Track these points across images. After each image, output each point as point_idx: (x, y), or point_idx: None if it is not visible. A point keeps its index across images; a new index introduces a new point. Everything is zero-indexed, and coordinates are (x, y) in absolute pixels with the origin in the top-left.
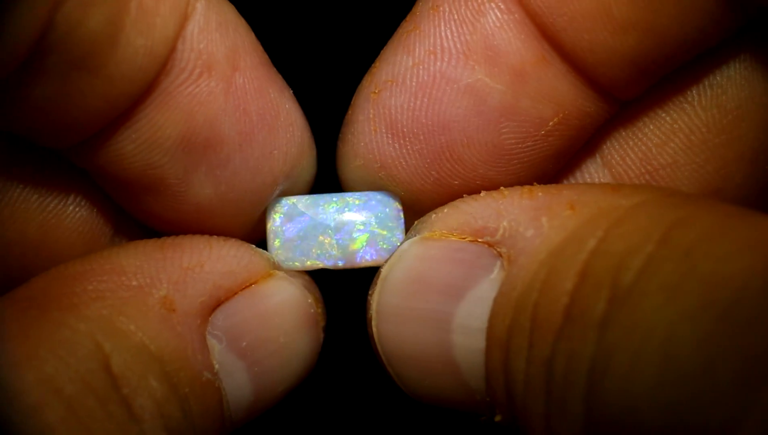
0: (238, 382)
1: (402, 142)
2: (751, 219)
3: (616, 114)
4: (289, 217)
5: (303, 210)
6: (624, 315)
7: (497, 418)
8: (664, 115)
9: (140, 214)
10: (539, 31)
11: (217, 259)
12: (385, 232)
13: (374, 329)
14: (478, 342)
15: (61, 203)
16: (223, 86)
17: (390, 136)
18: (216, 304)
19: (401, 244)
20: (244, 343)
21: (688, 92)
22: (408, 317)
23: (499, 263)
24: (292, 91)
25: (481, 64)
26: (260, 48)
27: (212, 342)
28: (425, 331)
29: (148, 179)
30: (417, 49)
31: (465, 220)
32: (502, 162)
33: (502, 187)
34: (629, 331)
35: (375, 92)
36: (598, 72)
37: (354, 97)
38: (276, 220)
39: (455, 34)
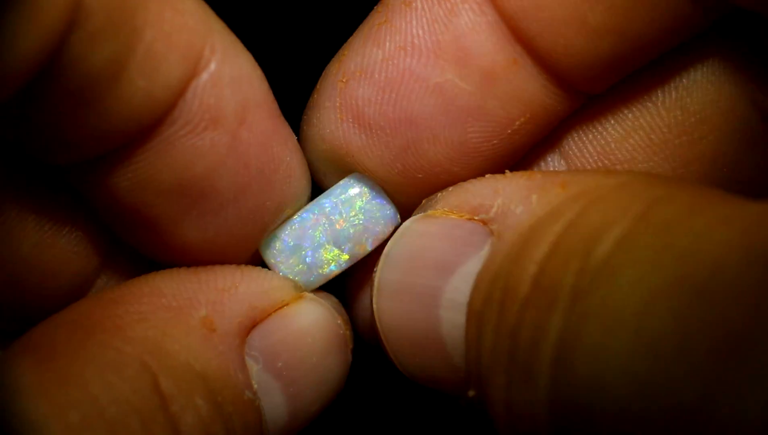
0: (274, 402)
1: (368, 133)
2: (728, 198)
3: (579, 108)
4: (283, 253)
5: (294, 241)
6: (596, 287)
7: (470, 393)
8: (626, 112)
9: (131, 241)
10: (512, 33)
11: (250, 281)
12: (377, 215)
13: (375, 305)
14: (462, 317)
15: (58, 223)
16: (226, 140)
17: (356, 126)
18: (252, 325)
19: (405, 221)
20: (280, 364)
21: (653, 92)
22: (404, 292)
23: (490, 241)
24: (295, 138)
25: (452, 64)
26: (271, 98)
27: (250, 362)
28: (417, 306)
29: (138, 214)
30: (387, 43)
31: (465, 199)
32: (466, 158)
33: (507, 171)
34: (601, 304)
35: (342, 81)
36: (570, 73)
37: (320, 81)
38: (273, 259)
39: (427, 32)
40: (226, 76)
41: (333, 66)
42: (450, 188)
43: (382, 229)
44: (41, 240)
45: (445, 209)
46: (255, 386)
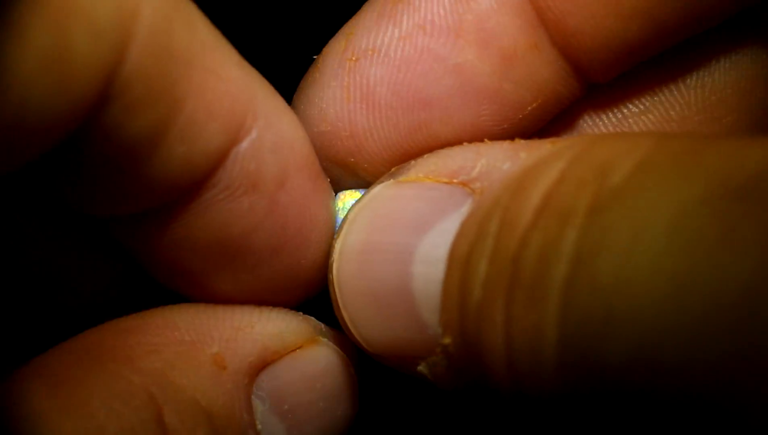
0: None
1: (377, 114)
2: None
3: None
4: None
5: None
6: (619, 202)
7: (446, 341)
8: (646, 89)
9: (167, 285)
10: (537, 15)
11: (267, 321)
12: None
13: (334, 271)
14: (438, 271)
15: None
16: (265, 203)
17: (365, 107)
18: (263, 365)
19: (372, 187)
20: (286, 406)
21: (675, 71)
22: (369, 253)
23: (471, 199)
24: (333, 194)
25: (472, 45)
26: (312, 159)
27: (256, 402)
28: (385, 264)
29: (174, 266)
30: (405, 22)
31: (443, 163)
32: (475, 141)
33: (486, 139)
34: (627, 214)
35: (352, 59)
36: (590, 58)
37: (321, 59)
38: None
39: (448, 11)
40: (268, 142)
41: (339, 43)
42: (425, 155)
43: None
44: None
45: (420, 175)
46: (259, 426)
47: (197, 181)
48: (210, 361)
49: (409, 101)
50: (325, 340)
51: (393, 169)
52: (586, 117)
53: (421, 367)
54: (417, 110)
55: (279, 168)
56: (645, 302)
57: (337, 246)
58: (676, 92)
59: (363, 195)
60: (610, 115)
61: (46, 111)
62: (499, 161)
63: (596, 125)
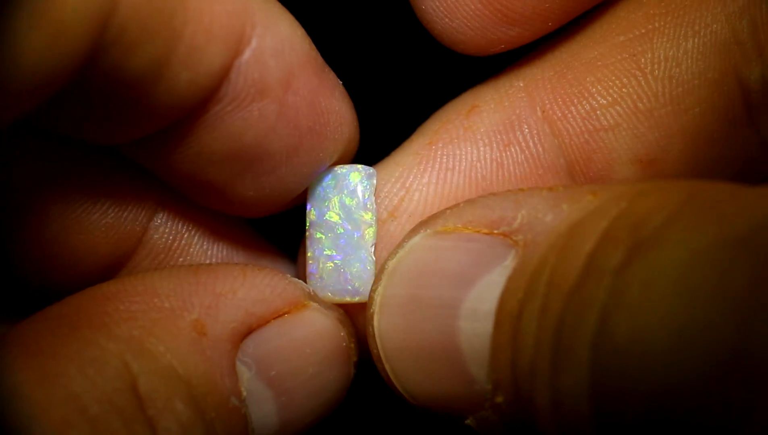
0: (264, 411)
1: None
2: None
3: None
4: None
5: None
6: (641, 257)
7: (498, 399)
8: (614, 79)
9: (192, 198)
10: None
11: (251, 286)
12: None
13: (375, 323)
14: (486, 325)
15: (95, 189)
16: (274, 107)
17: None
18: (247, 331)
19: (410, 238)
20: (273, 372)
21: (643, 61)
22: (413, 306)
23: (513, 252)
24: (341, 85)
25: None
26: (313, 54)
27: (242, 369)
28: (430, 318)
29: (195, 179)
30: None
31: (481, 213)
32: None
33: (522, 187)
34: (645, 269)
35: None
36: None
37: None
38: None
39: None
40: (268, 48)
41: None
42: (460, 204)
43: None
44: (70, 222)
45: (458, 225)
46: (244, 393)
47: (204, 99)
48: (189, 327)
49: None
50: (315, 304)
51: (426, 219)
52: (556, 108)
53: (469, 421)
54: None
55: (283, 70)
56: (653, 360)
57: (377, 298)
58: (644, 83)
59: (399, 244)
60: (579, 107)
61: (40, 65)
62: (540, 213)
63: (565, 117)
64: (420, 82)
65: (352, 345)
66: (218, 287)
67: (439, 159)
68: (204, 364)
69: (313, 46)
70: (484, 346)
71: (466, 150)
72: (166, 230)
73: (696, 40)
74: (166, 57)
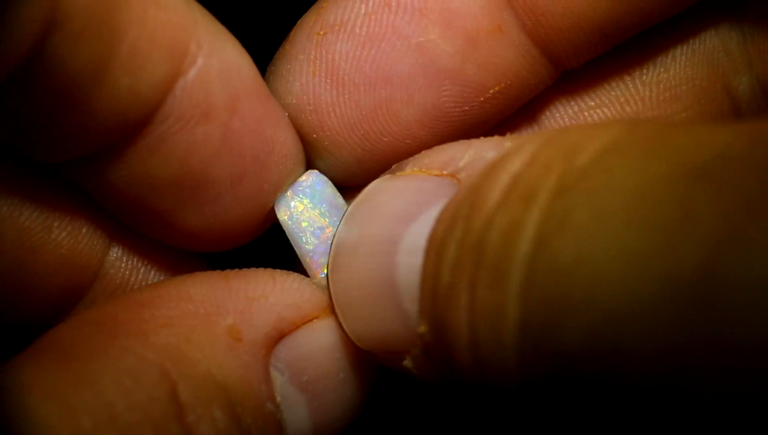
0: (298, 416)
1: (340, 90)
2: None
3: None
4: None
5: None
6: (584, 181)
7: (422, 329)
8: (603, 83)
9: (134, 227)
10: None
11: (281, 291)
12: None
13: (330, 268)
14: (419, 259)
15: (49, 219)
16: (219, 132)
17: (329, 81)
18: (279, 336)
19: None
20: (306, 377)
21: (632, 66)
22: (360, 246)
23: (456, 189)
24: (287, 115)
25: (436, 24)
26: (260, 82)
27: (275, 374)
28: (373, 256)
29: (136, 206)
30: None
31: (435, 156)
32: (436, 123)
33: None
34: (591, 193)
35: (320, 33)
36: (556, 40)
37: (294, 32)
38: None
39: None
40: (214, 70)
41: (310, 17)
42: (423, 151)
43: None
44: (33, 240)
45: (414, 169)
46: (278, 399)
47: (146, 114)
48: (225, 333)
49: (371, 78)
50: None
51: (393, 166)
52: (545, 110)
53: (406, 362)
54: (379, 88)
55: (228, 94)
56: (601, 284)
57: (334, 242)
58: (632, 87)
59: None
60: (567, 107)
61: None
62: (485, 151)
63: (553, 117)
64: None
65: None
66: (250, 292)
67: None
68: (240, 370)
69: (259, 74)
70: (416, 280)
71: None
72: (122, 265)
73: (685, 47)
74: (108, 56)
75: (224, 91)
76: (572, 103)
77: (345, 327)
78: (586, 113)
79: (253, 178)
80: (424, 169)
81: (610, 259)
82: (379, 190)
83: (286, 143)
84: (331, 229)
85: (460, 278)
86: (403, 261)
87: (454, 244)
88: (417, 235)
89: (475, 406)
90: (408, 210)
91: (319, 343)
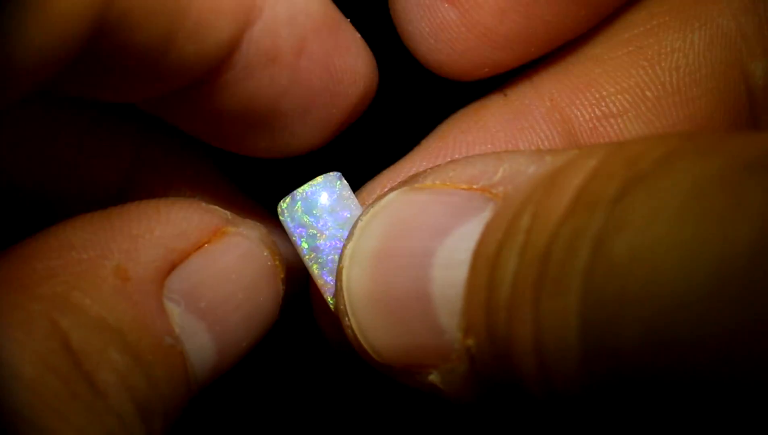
0: (200, 343)
1: None
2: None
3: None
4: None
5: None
6: (641, 188)
7: (469, 342)
8: (621, 69)
9: (210, 142)
10: None
11: (167, 222)
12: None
13: (344, 277)
14: (461, 272)
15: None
16: (287, 73)
17: None
18: (171, 268)
19: (387, 195)
20: (203, 304)
21: (650, 52)
22: (384, 257)
23: (492, 204)
24: (359, 36)
25: None
26: (330, 12)
27: (170, 306)
28: (401, 268)
29: (209, 133)
30: None
31: (462, 169)
32: None
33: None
34: (646, 197)
35: None
36: None
37: None
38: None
39: None
40: (281, 17)
41: None
42: (442, 163)
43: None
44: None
45: (437, 182)
46: (177, 330)
47: (213, 68)
48: (112, 274)
49: None
50: (234, 229)
51: (406, 178)
52: (564, 97)
53: (433, 377)
54: None
55: (296, 37)
56: (657, 276)
57: (347, 252)
58: (651, 72)
59: (375, 201)
60: (587, 94)
61: (38, 47)
62: (523, 166)
63: (573, 104)
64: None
65: (277, 262)
66: (134, 229)
67: (452, 147)
68: (132, 310)
69: (330, 3)
70: (457, 294)
71: (478, 137)
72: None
73: (702, 32)
74: (172, 33)
75: (291, 35)
76: (592, 91)
77: (360, 338)
78: (607, 99)
79: (322, 108)
80: (449, 183)
81: (664, 252)
82: (400, 202)
83: (356, 68)
84: (332, 232)
85: (523, 291)
86: (439, 274)
87: (515, 257)
88: (454, 250)
89: (530, 419)
90: (439, 224)
91: (212, 267)
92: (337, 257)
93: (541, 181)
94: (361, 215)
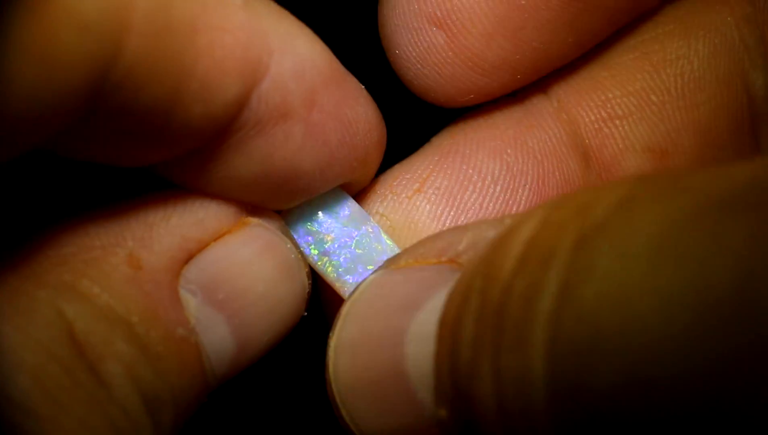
0: (218, 336)
1: None
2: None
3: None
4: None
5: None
6: (604, 236)
7: (441, 413)
8: (627, 74)
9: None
10: None
11: (184, 211)
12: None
13: (330, 368)
14: (429, 346)
15: None
16: (300, 128)
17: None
18: (187, 258)
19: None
20: (221, 295)
21: (655, 59)
22: (363, 343)
23: (459, 274)
24: (363, 88)
25: None
26: (334, 66)
27: (186, 296)
28: (378, 350)
29: (225, 197)
30: None
31: (431, 245)
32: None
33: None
34: (613, 244)
35: None
36: None
37: None
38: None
39: None
40: (287, 72)
41: None
42: (415, 242)
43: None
44: None
45: (410, 260)
46: (193, 321)
47: (222, 128)
48: (123, 263)
49: None
50: (255, 219)
51: (385, 262)
52: (570, 98)
53: None
54: None
55: (305, 90)
56: (633, 320)
57: (332, 343)
58: (656, 78)
59: (354, 289)
60: (594, 96)
61: (34, 102)
62: (484, 231)
63: (579, 105)
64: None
65: (301, 255)
66: (150, 217)
67: (462, 142)
68: (143, 299)
69: (333, 57)
70: (428, 367)
71: (488, 133)
72: None
73: (706, 40)
74: (177, 93)
75: (300, 88)
76: (598, 93)
77: (352, 426)
78: (612, 102)
79: (341, 161)
80: (420, 259)
81: (639, 297)
82: (375, 285)
83: (368, 118)
84: (337, 232)
85: (481, 350)
86: (412, 351)
87: (472, 319)
88: (424, 324)
89: None
90: (410, 301)
91: (231, 258)
92: (348, 255)
93: (494, 241)
94: (342, 305)
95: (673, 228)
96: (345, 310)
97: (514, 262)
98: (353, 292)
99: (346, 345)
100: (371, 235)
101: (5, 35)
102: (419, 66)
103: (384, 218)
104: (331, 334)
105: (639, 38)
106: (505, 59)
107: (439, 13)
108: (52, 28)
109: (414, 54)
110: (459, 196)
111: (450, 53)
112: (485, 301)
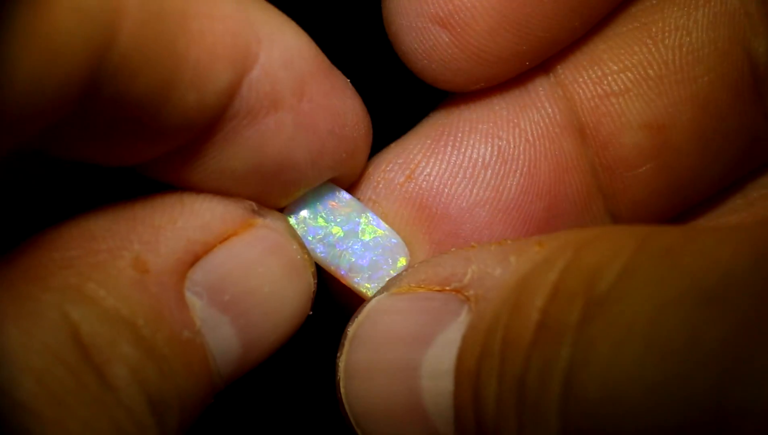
0: (223, 337)
1: None
2: (716, 228)
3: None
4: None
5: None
6: (603, 313)
7: None
8: (625, 47)
9: None
10: None
11: (190, 213)
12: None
13: (342, 390)
14: (447, 383)
15: None
16: (290, 117)
17: None
18: (193, 260)
19: (367, 303)
20: (227, 297)
21: (654, 29)
22: (376, 370)
23: (467, 307)
24: (349, 82)
25: None
26: (321, 58)
27: (192, 299)
28: (394, 381)
29: (223, 193)
30: None
31: (433, 271)
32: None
33: (473, 243)
34: (609, 325)
35: None
36: None
37: None
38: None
39: None
40: (276, 60)
41: None
42: (415, 265)
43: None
44: None
45: (412, 285)
46: (198, 323)
47: (215, 116)
48: (130, 266)
49: None
50: (261, 220)
51: (387, 282)
52: (567, 73)
53: None
54: None
55: (294, 80)
56: (628, 416)
57: (341, 365)
58: (654, 51)
59: (358, 310)
60: (590, 72)
61: (33, 92)
62: (489, 267)
63: (576, 81)
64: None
65: (306, 255)
66: (156, 220)
67: (456, 124)
68: (149, 302)
69: (319, 50)
70: (447, 404)
71: (483, 113)
72: None
73: (706, 9)
74: (172, 80)
75: (289, 78)
76: (595, 68)
77: None
78: (609, 78)
79: (331, 152)
80: (422, 285)
81: (632, 390)
82: (381, 310)
83: (356, 110)
84: (341, 225)
85: (506, 414)
86: (428, 385)
87: (494, 380)
88: (437, 359)
89: None
90: (420, 332)
91: (237, 260)
92: (357, 245)
93: (508, 293)
94: (348, 324)
95: (659, 316)
96: (351, 332)
97: (531, 334)
98: (357, 313)
99: (358, 369)
100: (372, 222)
101: (4, 20)
102: (426, 61)
103: (377, 205)
104: (339, 354)
105: (639, 6)
106: (511, 51)
107: (441, 13)
108: (51, 11)
109: (420, 51)
110: (449, 183)
111: (455, 50)
112: (506, 368)
